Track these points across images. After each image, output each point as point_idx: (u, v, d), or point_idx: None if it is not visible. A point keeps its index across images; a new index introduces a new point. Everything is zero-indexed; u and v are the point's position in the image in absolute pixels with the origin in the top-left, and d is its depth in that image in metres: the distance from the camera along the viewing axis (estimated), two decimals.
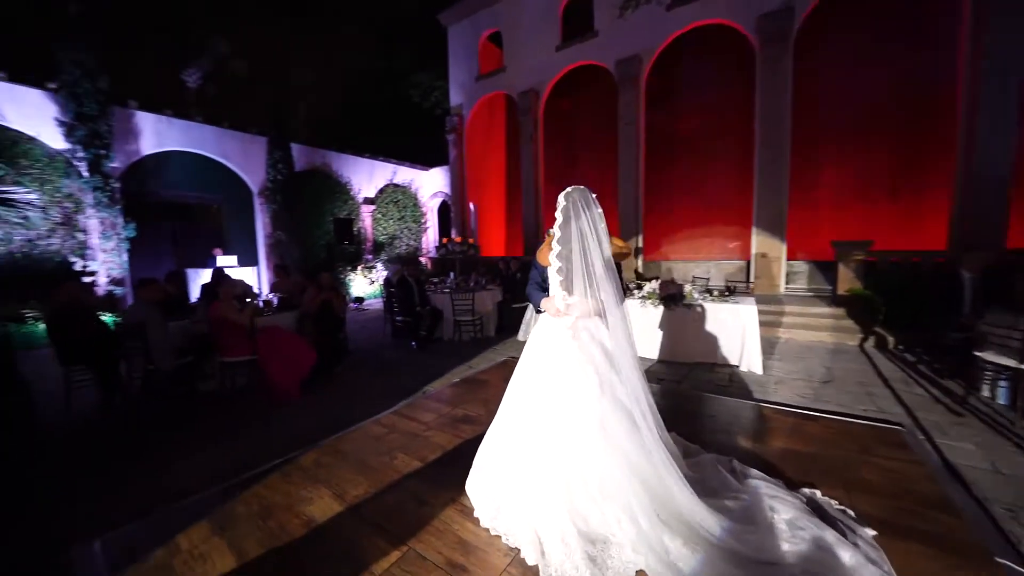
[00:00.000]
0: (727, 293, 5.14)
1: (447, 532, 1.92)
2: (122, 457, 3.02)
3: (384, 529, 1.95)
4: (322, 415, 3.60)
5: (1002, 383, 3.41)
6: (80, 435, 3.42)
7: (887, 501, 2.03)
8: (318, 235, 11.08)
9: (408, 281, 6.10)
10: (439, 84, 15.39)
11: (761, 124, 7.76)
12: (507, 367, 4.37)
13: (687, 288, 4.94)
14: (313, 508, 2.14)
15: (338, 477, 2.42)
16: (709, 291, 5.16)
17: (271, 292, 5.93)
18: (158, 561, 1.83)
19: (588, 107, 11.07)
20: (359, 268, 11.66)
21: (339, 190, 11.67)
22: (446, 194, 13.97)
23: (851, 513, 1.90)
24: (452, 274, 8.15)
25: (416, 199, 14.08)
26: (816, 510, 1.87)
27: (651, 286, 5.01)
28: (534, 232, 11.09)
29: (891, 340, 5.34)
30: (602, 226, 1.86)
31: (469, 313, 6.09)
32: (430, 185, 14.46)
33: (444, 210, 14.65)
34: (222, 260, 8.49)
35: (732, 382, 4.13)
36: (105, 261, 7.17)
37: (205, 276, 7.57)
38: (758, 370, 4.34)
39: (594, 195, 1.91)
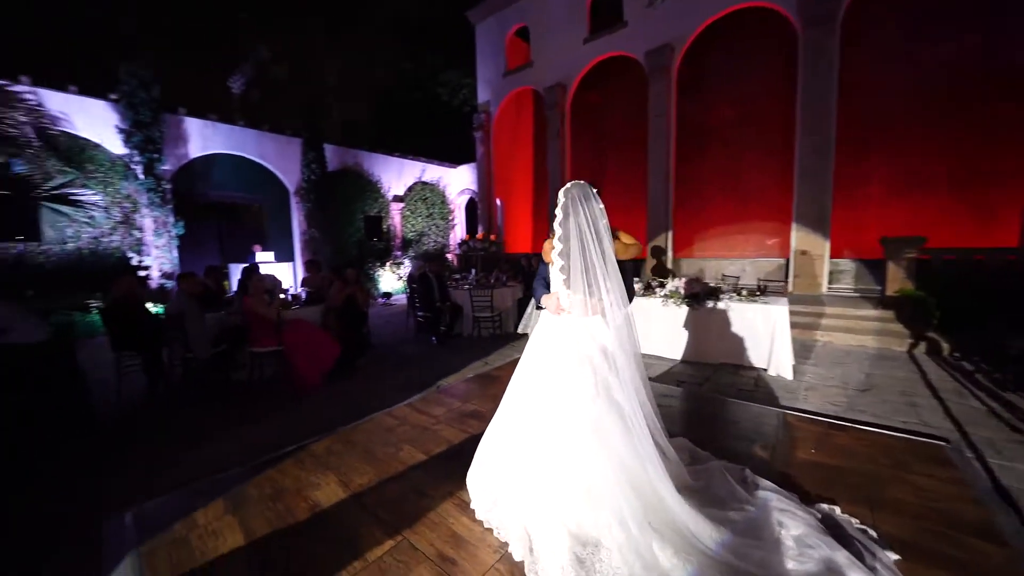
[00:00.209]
0: (757, 292, 4.86)
1: (442, 525, 1.94)
2: (162, 437, 3.28)
3: (382, 518, 2.00)
4: (342, 405, 3.74)
5: None
6: (127, 415, 3.75)
7: (917, 523, 1.85)
8: (350, 232, 11.49)
9: (429, 277, 6.21)
10: (467, 82, 15.52)
11: (803, 112, 7.26)
12: None
13: (714, 285, 4.71)
14: (319, 494, 2.22)
15: (346, 465, 2.51)
16: (737, 290, 4.90)
17: (302, 287, 6.22)
18: (177, 534, 1.97)
19: (616, 100, 10.78)
20: (387, 264, 12.00)
21: (369, 189, 12.04)
22: (473, 191, 14.09)
23: (873, 533, 1.75)
24: (473, 270, 8.21)
25: (444, 196, 14.29)
26: (832, 528, 1.73)
27: (674, 284, 4.83)
28: None
29: (946, 346, 4.86)
30: (603, 222, 1.80)
31: (488, 309, 6.12)
32: (458, 182, 14.64)
33: (471, 207, 14.80)
34: (261, 256, 8.99)
35: (757, 386, 3.90)
36: (157, 257, 7.80)
37: None
38: (788, 375, 4.08)
39: (595, 190, 1.85)
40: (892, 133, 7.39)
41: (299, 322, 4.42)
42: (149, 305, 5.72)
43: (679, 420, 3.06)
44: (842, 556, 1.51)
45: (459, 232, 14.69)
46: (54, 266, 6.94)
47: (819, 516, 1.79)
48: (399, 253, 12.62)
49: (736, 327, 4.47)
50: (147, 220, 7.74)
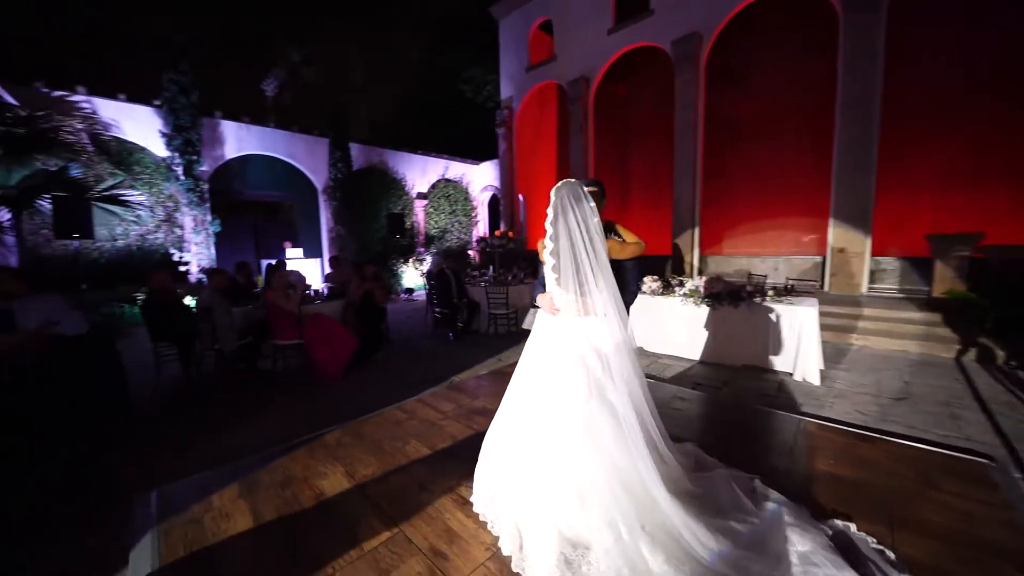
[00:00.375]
0: (784, 292, 4.61)
1: (438, 520, 1.96)
2: (189, 422, 3.50)
3: (382, 510, 2.05)
4: (357, 397, 3.86)
5: None
6: (163, 402, 4.02)
7: (944, 547, 1.70)
8: (375, 229, 11.78)
9: (447, 274, 6.28)
10: (491, 78, 15.53)
11: (843, 102, 6.79)
12: None
13: (737, 284, 4.51)
14: (325, 483, 2.30)
15: (353, 457, 2.58)
16: (763, 290, 4.67)
17: (325, 282, 6.45)
18: (194, 515, 2.09)
19: (641, 93, 10.49)
20: (411, 260, 12.23)
21: (394, 186, 12.30)
22: (496, 188, 14.12)
23: (890, 555, 1.63)
24: (491, 267, 8.24)
25: (467, 193, 14.40)
26: (844, 546, 1.62)
27: (693, 283, 4.66)
28: None
29: (1001, 354, 4.45)
30: (594, 221, 1.76)
31: (504, 307, 6.13)
32: (480, 179, 14.70)
33: (494, 203, 14.84)
34: (291, 252, 9.38)
35: (780, 392, 3.71)
36: (196, 253, 8.29)
37: None
38: (814, 380, 3.86)
39: (586, 189, 1.82)
40: (944, 121, 6.79)
41: (319, 316, 4.59)
42: (186, 299, 6.09)
43: (692, 424, 2.96)
44: None
45: (482, 229, 14.78)
46: (106, 262, 7.52)
47: (830, 533, 1.69)
48: (422, 250, 12.84)
49: (760, 328, 4.27)
50: (187, 218, 8.24)
